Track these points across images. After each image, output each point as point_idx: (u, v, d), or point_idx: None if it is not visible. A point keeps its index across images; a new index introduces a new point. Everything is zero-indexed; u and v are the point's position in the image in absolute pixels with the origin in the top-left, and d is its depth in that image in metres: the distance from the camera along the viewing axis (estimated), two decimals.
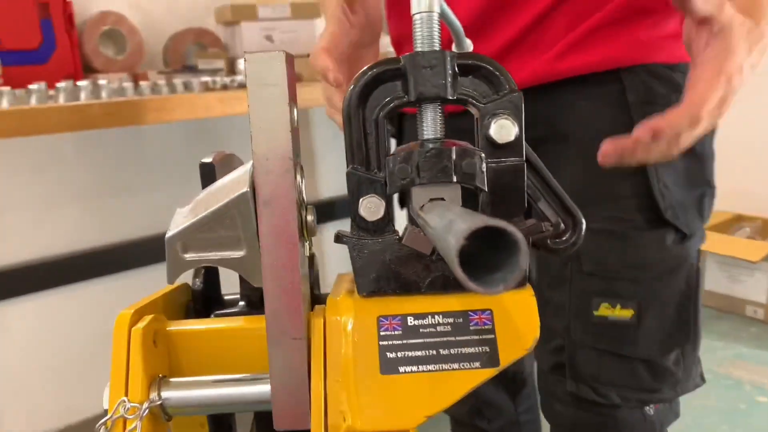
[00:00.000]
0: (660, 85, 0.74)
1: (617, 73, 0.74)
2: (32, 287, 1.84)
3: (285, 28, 1.93)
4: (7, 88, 1.28)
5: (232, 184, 0.38)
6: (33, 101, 1.30)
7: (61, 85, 1.34)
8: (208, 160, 0.49)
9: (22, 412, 1.90)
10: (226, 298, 0.54)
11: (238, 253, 0.39)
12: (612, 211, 0.74)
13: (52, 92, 1.36)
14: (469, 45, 0.54)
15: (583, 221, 0.44)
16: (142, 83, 1.47)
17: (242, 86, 1.59)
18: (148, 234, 2.04)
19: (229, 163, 0.51)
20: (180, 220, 0.39)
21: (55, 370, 1.92)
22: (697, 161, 0.76)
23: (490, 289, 0.21)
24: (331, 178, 2.37)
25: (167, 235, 0.38)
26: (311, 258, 0.51)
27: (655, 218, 0.73)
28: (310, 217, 0.39)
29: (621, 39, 0.73)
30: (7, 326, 1.84)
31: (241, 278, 0.51)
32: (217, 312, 0.49)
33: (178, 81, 1.50)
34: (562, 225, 0.44)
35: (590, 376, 0.76)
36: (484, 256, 0.24)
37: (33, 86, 1.32)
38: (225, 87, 1.56)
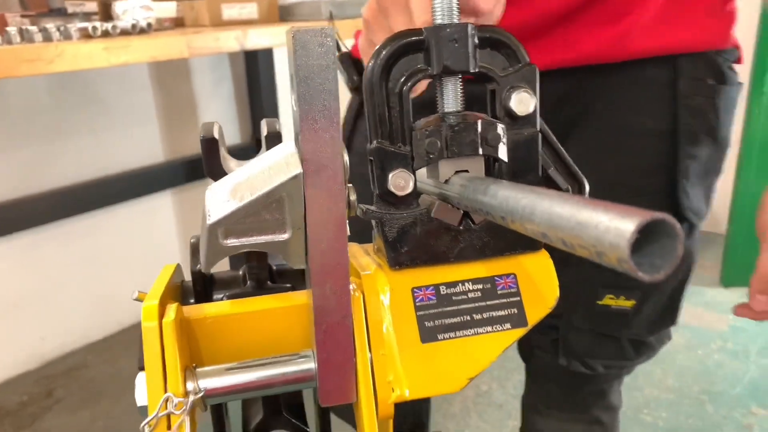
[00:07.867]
0: (710, 75, 0.69)
1: (675, 59, 0.68)
2: None
3: None
4: None
5: (278, 163, 0.37)
6: None
7: None
8: (208, 135, 0.46)
9: None
10: (216, 277, 0.52)
11: (283, 236, 0.38)
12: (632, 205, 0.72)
13: None
14: None
15: (587, 185, 0.48)
16: (9, 29, 1.30)
17: (125, 33, 1.46)
18: (15, 196, 1.86)
19: (219, 133, 0.48)
20: (220, 205, 0.37)
21: None
22: (719, 149, 0.73)
23: (655, 276, 0.23)
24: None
25: (209, 222, 0.36)
26: None
27: (674, 215, 0.72)
28: (353, 197, 0.39)
29: (698, 23, 0.66)
30: None
31: (247, 257, 0.49)
32: (229, 293, 0.47)
33: (51, 27, 1.34)
34: (569, 190, 0.47)
35: (583, 353, 0.79)
36: None
37: None
38: (107, 34, 1.42)
